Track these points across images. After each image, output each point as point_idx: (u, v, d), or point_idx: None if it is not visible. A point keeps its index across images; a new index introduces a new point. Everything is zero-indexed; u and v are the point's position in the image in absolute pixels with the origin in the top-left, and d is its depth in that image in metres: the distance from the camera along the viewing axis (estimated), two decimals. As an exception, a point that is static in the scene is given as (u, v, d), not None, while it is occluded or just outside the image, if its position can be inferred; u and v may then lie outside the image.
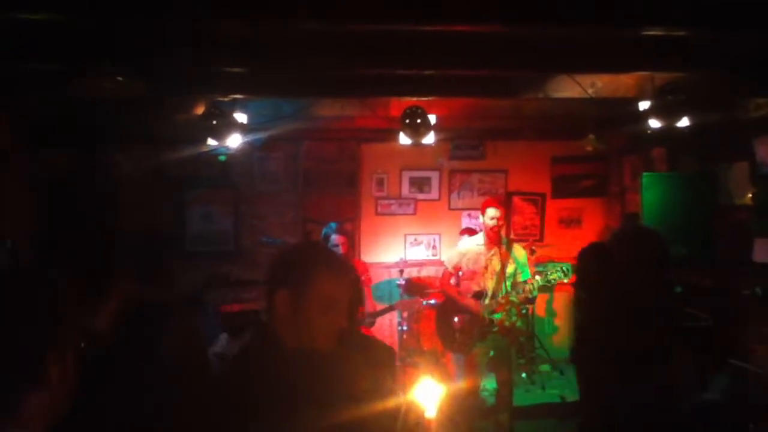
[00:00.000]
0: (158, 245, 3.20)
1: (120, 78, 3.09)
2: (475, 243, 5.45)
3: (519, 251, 5.39)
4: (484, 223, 5.25)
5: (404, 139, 5.00)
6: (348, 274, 1.92)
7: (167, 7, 3.01)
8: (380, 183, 7.75)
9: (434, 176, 7.84)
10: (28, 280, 1.32)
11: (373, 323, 6.04)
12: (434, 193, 7.86)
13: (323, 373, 1.74)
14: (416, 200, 7.84)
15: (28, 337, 1.24)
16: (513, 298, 5.16)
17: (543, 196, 8.01)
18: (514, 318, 5.20)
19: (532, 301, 5.32)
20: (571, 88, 4.70)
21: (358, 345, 2.26)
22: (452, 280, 5.55)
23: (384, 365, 2.21)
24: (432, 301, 6.76)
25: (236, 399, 1.71)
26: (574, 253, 7.66)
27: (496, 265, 5.21)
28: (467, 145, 7.77)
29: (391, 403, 1.65)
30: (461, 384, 5.58)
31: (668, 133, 5.04)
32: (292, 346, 1.78)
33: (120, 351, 2.23)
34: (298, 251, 2.05)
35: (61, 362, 1.26)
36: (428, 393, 1.51)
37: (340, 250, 5.64)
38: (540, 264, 7.17)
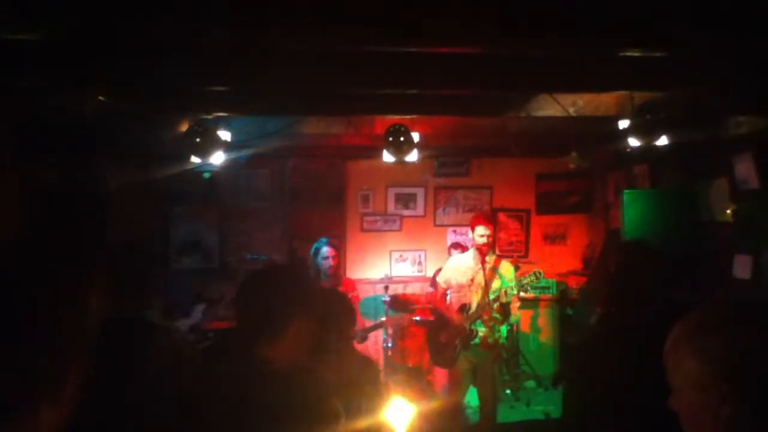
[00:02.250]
0: (140, 260, 3.19)
1: (101, 97, 3.10)
2: (465, 259, 5.46)
3: (507, 268, 5.40)
4: (473, 239, 5.27)
5: (388, 157, 5.04)
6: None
7: (149, 24, 3.02)
8: (366, 199, 7.78)
9: (420, 193, 7.88)
10: (51, 295, 1.32)
11: (365, 338, 6.07)
12: (420, 210, 7.90)
13: (289, 392, 1.75)
14: (402, 217, 7.87)
15: (52, 354, 1.24)
16: (496, 315, 5.19)
17: (528, 212, 8.06)
18: (497, 334, 5.21)
19: (506, 308, 5.32)
20: (552, 106, 4.75)
21: (336, 364, 2.27)
22: (447, 298, 5.56)
23: (360, 385, 2.22)
24: (418, 318, 6.78)
25: (204, 417, 1.73)
26: (559, 269, 7.82)
27: (480, 279, 5.23)
28: (452, 162, 7.83)
29: (361, 424, 1.66)
30: (445, 401, 5.59)
31: (651, 150, 5.09)
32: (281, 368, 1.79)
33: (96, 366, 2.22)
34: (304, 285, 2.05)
35: (75, 379, 1.27)
36: (398, 413, 1.52)
37: (331, 262, 5.71)
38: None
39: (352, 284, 6.13)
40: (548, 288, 7.58)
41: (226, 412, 1.73)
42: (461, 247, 6.76)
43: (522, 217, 8.05)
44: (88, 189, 5.20)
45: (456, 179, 7.92)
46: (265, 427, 1.67)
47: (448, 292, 5.44)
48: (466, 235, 5.45)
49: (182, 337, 2.73)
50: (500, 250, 7.84)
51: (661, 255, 3.01)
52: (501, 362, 5.50)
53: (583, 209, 8.10)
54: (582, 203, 8.09)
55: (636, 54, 3.58)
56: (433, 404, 5.83)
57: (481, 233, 5.14)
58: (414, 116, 4.99)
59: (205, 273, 7.21)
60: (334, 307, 2.56)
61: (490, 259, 5.28)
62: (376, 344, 7.30)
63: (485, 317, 5.16)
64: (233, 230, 7.46)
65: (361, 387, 2.26)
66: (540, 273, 5.21)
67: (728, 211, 5.58)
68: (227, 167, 6.56)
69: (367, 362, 2.84)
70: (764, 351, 1.19)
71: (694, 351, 1.27)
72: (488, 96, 4.72)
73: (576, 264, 8.03)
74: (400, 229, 7.88)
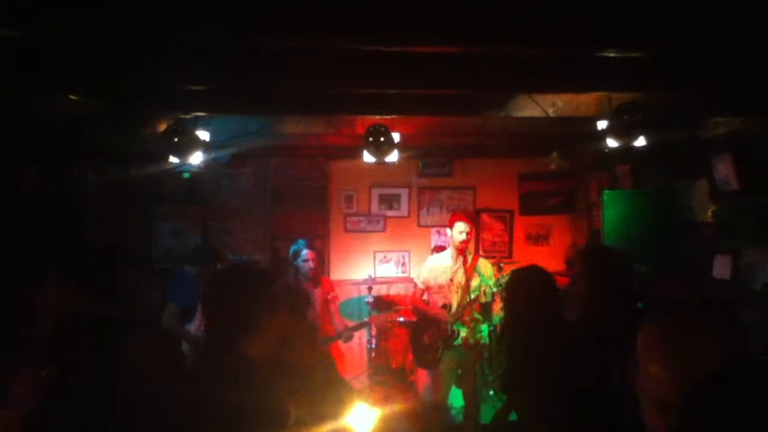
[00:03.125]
0: (118, 260, 3.17)
1: (73, 96, 3.06)
2: (443, 259, 5.48)
3: (485, 266, 5.43)
4: (452, 237, 5.30)
5: (368, 157, 5.03)
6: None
7: (128, 24, 3.00)
8: (349, 200, 7.76)
9: (403, 193, 7.87)
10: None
11: (350, 337, 6.08)
12: (404, 210, 7.89)
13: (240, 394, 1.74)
14: (386, 217, 7.86)
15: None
16: (477, 315, 5.20)
17: (511, 212, 8.06)
18: (479, 335, 5.23)
19: (487, 308, 5.36)
20: (532, 106, 4.76)
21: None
22: (424, 297, 5.57)
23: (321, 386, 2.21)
24: (401, 319, 6.77)
25: (192, 419, 1.72)
26: (543, 269, 7.79)
27: (460, 278, 5.25)
28: (436, 163, 7.82)
29: (323, 429, 1.65)
30: (428, 401, 5.60)
31: (632, 151, 5.11)
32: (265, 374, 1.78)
33: (68, 367, 2.20)
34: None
35: (28, 380, 1.24)
36: (361, 418, 1.51)
37: (311, 265, 5.73)
38: (508, 281, 7.21)
39: (331, 284, 6.15)
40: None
41: (216, 413, 1.72)
42: (443, 250, 6.78)
43: (505, 217, 8.06)
44: (67, 190, 5.16)
45: (439, 180, 7.92)
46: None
47: (426, 293, 5.46)
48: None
49: (155, 340, 2.72)
50: (484, 251, 7.85)
51: (625, 258, 3.02)
52: (483, 362, 5.50)
53: (566, 210, 8.11)
54: (565, 204, 8.10)
55: (613, 55, 3.58)
56: (416, 405, 5.83)
57: (460, 230, 5.17)
58: (393, 116, 4.98)
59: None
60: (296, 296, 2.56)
61: (469, 257, 5.30)
62: (360, 346, 7.29)
63: (466, 318, 5.18)
64: (216, 230, 7.42)
65: (323, 389, 2.25)
66: None
67: (709, 212, 5.60)
68: (209, 167, 6.54)
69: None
70: (730, 366, 1.10)
71: (661, 360, 1.21)
72: (467, 96, 4.72)
73: (559, 264, 8.03)
74: (383, 230, 7.86)
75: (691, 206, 5.78)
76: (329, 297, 5.99)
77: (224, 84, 4.16)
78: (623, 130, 4.22)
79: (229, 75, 3.92)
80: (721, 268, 5.41)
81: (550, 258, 8.07)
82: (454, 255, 5.29)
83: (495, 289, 5.26)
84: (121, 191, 6.85)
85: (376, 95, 4.55)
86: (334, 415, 1.57)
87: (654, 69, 3.96)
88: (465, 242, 5.20)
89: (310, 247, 5.82)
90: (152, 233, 7.23)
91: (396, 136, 4.99)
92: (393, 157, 5.03)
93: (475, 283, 5.25)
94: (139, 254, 6.91)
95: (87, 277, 2.78)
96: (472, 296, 5.17)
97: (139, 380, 2.46)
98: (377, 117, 5.00)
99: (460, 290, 5.24)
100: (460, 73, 3.97)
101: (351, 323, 6.38)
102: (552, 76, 3.99)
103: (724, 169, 5.32)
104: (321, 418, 1.62)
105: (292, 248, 5.93)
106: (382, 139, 4.82)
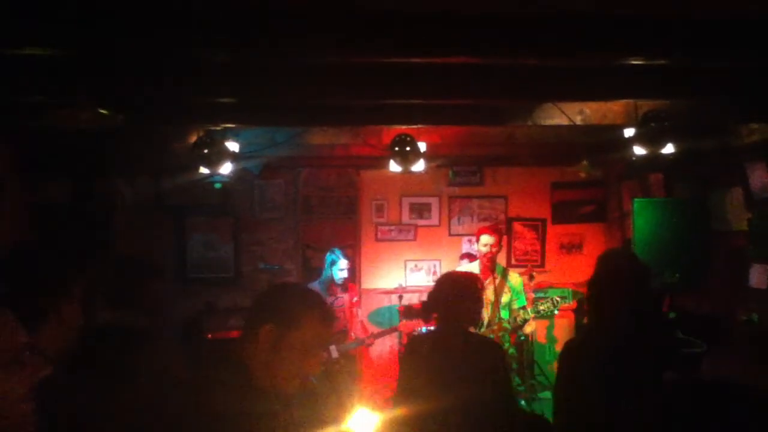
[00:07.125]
0: (143, 271, 3.24)
1: (102, 111, 3.15)
2: (472, 271, 5.47)
3: (514, 278, 5.42)
4: (478, 250, 5.31)
5: (394, 167, 5.05)
6: (333, 322, 1.97)
7: (154, 38, 3.07)
8: (380, 209, 7.79)
9: (434, 202, 7.87)
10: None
11: (371, 343, 6.12)
12: (434, 219, 7.89)
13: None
14: (416, 226, 7.87)
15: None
16: (506, 325, 5.18)
17: (543, 221, 8.00)
18: (506, 345, 5.19)
19: (522, 327, 5.34)
20: (559, 115, 4.73)
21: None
22: None
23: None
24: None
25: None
26: (575, 278, 7.73)
27: (490, 294, 5.23)
28: (466, 171, 7.81)
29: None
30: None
31: (664, 159, 5.04)
32: (261, 384, 1.80)
33: (82, 375, 2.26)
34: (292, 292, 2.05)
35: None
36: (363, 422, 1.53)
37: (346, 273, 5.82)
38: (540, 290, 7.16)
39: (355, 289, 6.33)
40: (564, 297, 7.52)
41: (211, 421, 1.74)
42: (471, 257, 6.75)
43: (537, 226, 8.00)
44: (97, 203, 5.29)
45: (470, 188, 7.90)
46: None
47: None
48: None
49: (173, 350, 2.78)
50: (516, 260, 7.81)
51: (635, 268, 3.00)
52: (511, 372, 5.46)
53: (598, 218, 8.01)
54: (597, 212, 8.00)
55: (639, 62, 3.55)
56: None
57: (485, 242, 5.18)
58: (419, 126, 5.00)
59: (220, 284, 7.30)
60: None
61: (499, 271, 5.29)
62: (391, 353, 7.30)
63: (494, 327, 5.16)
64: (248, 241, 7.52)
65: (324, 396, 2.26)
66: (558, 302, 5.21)
67: (744, 221, 5.49)
68: (242, 178, 6.64)
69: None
70: None
71: None
72: (494, 105, 4.71)
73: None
74: (414, 239, 7.87)
75: (725, 215, 5.67)
76: (353, 301, 6.10)
77: (251, 96, 4.22)
78: (650, 137, 4.17)
79: (256, 88, 3.98)
80: (758, 278, 5.29)
81: (584, 267, 7.97)
82: (482, 267, 5.30)
83: (530, 316, 5.25)
84: (155, 204, 6.99)
85: (402, 105, 4.58)
86: (335, 419, 1.59)
87: (681, 75, 3.91)
88: (488, 254, 5.21)
89: (345, 256, 5.94)
90: (186, 245, 7.36)
91: (422, 146, 5.00)
92: (419, 166, 5.04)
93: (505, 298, 5.26)
94: (170, 266, 7.03)
95: (112, 288, 2.86)
96: (502, 312, 5.17)
97: (159, 389, 2.51)
98: (403, 127, 5.02)
99: (490, 306, 5.24)
100: (485, 82, 3.98)
101: (378, 330, 6.43)
102: (577, 84, 3.96)
103: (758, 177, 5.21)
104: (322, 422, 1.63)
105: (329, 257, 5.99)
106: (407, 148, 4.84)
